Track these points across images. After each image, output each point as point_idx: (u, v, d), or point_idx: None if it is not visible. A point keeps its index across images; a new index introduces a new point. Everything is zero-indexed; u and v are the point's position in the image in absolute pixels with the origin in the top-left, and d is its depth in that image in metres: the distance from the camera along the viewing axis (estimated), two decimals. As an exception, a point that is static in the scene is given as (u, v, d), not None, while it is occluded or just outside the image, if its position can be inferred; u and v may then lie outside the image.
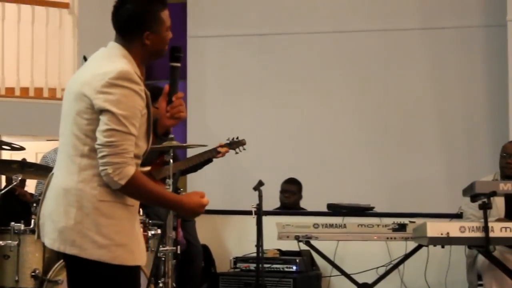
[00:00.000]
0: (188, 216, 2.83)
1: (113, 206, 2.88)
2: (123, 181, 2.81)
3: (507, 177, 5.94)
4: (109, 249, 2.84)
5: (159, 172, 5.37)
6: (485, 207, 5.13)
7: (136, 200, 2.98)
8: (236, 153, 6.18)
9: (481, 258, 5.73)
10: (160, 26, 2.99)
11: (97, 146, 2.82)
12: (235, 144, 6.15)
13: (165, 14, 3.02)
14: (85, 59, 4.06)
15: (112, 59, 2.91)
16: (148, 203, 3.45)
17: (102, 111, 2.82)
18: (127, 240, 2.90)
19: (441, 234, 5.13)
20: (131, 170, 2.83)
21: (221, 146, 5.97)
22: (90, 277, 2.87)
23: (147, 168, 5.55)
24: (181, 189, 5.33)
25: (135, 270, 2.95)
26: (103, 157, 2.81)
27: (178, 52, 3.15)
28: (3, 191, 5.42)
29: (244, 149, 6.20)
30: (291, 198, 7.48)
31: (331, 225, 5.97)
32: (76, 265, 2.90)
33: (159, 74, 6.07)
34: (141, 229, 4.61)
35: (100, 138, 2.82)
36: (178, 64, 3.16)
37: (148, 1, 3.00)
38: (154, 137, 3.13)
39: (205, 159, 5.95)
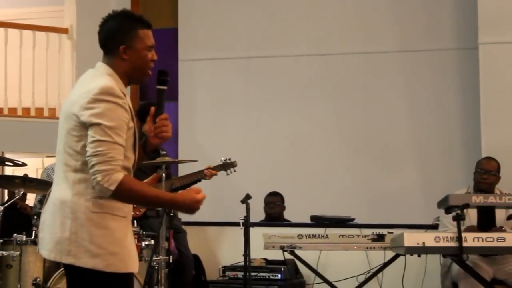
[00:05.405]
0: (185, 213, 3.02)
1: (106, 217, 2.92)
2: (112, 186, 2.83)
3: (480, 191, 6.06)
4: (103, 258, 2.90)
5: (155, 187, 5.65)
6: (459, 219, 5.17)
7: (131, 203, 3.01)
8: (228, 174, 6.30)
9: (455, 267, 5.82)
10: (137, 42, 3.02)
11: (87, 158, 2.87)
12: (227, 166, 6.26)
13: (145, 33, 3.04)
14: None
15: (97, 78, 2.97)
16: (143, 205, 3.38)
17: (89, 125, 2.88)
18: (120, 249, 2.95)
19: (418, 244, 5.16)
20: (119, 175, 2.85)
21: (210, 169, 6.13)
22: (86, 284, 2.94)
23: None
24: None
25: (128, 276, 3.01)
26: (92, 166, 2.84)
27: (164, 75, 3.19)
28: (6, 205, 5.55)
29: (235, 170, 6.31)
30: (276, 209, 7.55)
31: (314, 236, 5.97)
32: (73, 273, 2.97)
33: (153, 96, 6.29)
34: (135, 239, 4.82)
35: (88, 150, 2.86)
36: (165, 87, 3.19)
37: (127, 18, 3.06)
38: (144, 154, 3.19)
39: (195, 180, 6.11)
